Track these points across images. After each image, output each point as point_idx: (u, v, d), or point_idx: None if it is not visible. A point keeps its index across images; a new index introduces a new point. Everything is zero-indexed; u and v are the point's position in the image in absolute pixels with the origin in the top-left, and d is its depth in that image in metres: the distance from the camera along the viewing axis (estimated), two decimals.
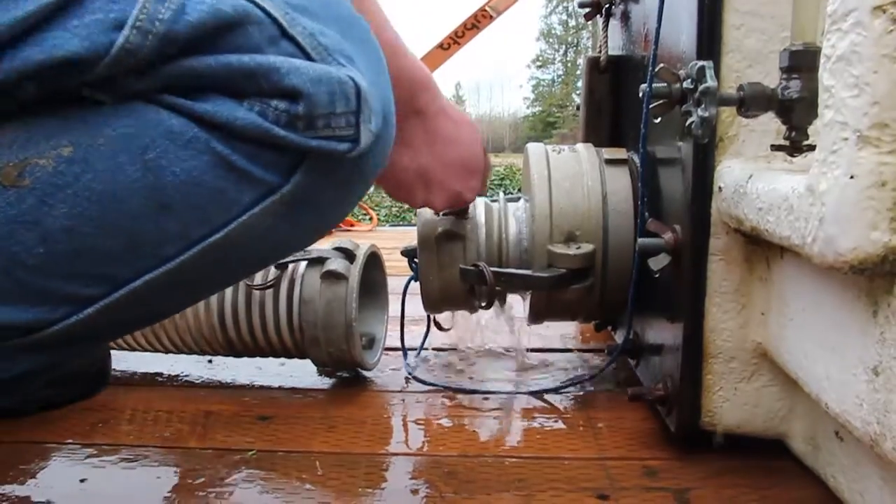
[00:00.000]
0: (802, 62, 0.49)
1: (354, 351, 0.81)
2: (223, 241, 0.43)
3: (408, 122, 0.69)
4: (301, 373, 0.90)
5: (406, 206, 0.98)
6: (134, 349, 0.90)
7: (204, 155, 0.41)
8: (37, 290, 0.41)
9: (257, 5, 0.41)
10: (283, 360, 0.91)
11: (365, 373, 0.89)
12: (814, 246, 0.43)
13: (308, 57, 0.42)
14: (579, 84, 0.96)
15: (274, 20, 0.41)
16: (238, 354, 0.88)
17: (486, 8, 2.32)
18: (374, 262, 0.89)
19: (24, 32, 0.37)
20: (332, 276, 0.80)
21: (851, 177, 0.40)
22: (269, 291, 0.83)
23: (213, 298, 0.83)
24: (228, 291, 0.83)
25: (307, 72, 0.41)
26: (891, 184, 0.39)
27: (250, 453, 0.67)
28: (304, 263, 0.83)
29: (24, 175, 0.39)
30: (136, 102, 0.41)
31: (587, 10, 0.96)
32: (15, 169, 0.39)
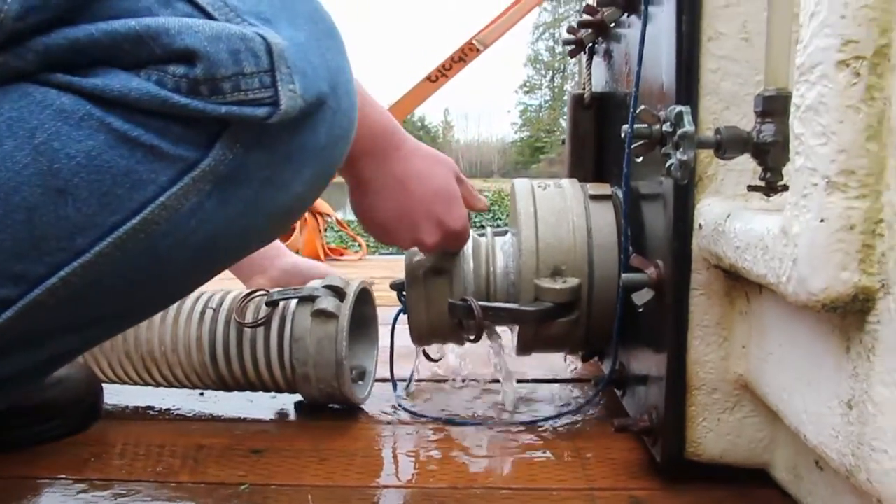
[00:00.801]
0: (775, 107, 0.51)
1: (345, 388, 0.82)
2: (143, 227, 0.40)
3: (381, 168, 0.70)
4: (292, 405, 0.91)
5: None
6: (125, 383, 0.91)
7: (100, 133, 0.38)
8: None
9: None
10: (273, 398, 0.92)
11: (356, 405, 0.89)
12: (788, 285, 0.45)
13: (209, 16, 0.38)
14: (566, 110, 0.98)
15: None
16: (229, 389, 0.89)
17: (474, 41, 2.37)
18: (364, 297, 0.91)
19: None
20: (323, 315, 0.81)
21: (822, 220, 0.41)
22: (261, 329, 0.84)
23: (205, 335, 0.84)
24: (220, 328, 0.84)
25: (202, 30, 0.38)
26: (859, 227, 0.41)
27: (243, 487, 0.68)
28: (294, 302, 0.84)
29: None
30: (19, 84, 0.38)
31: (571, 47, 0.98)
32: None
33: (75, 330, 0.45)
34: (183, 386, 0.89)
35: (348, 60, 0.46)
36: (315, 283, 0.86)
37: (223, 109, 0.38)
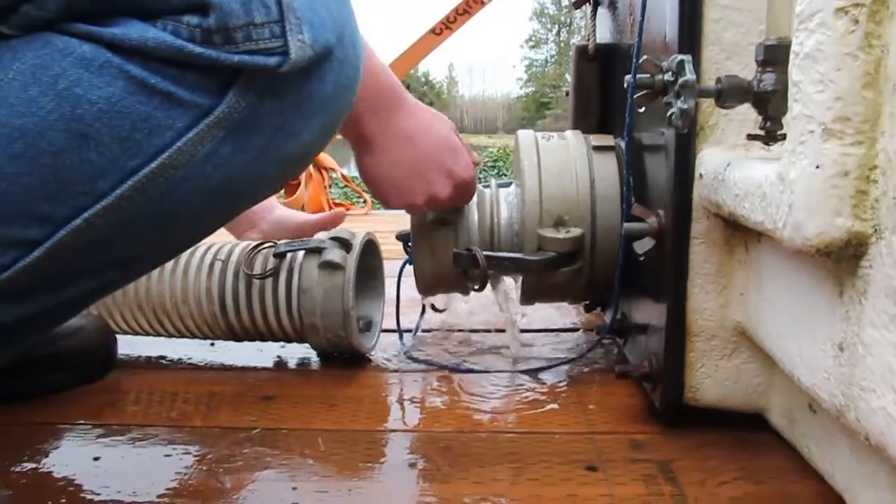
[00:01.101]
0: (776, 56, 0.52)
1: (352, 337, 0.84)
2: (161, 171, 0.42)
3: (386, 125, 0.71)
4: (301, 355, 0.93)
5: None
6: (138, 333, 0.93)
7: (119, 80, 0.40)
8: None
9: None
10: (281, 347, 0.95)
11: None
12: (784, 231, 0.46)
13: None
14: (571, 62, 0.98)
15: None
16: (239, 339, 0.91)
17: None
18: (370, 249, 0.92)
19: None
20: (330, 266, 0.83)
21: (817, 167, 0.42)
22: (269, 280, 0.86)
23: (215, 286, 0.86)
24: (229, 279, 0.86)
25: None
26: (853, 173, 0.42)
27: (255, 431, 0.70)
28: (301, 253, 0.86)
29: None
30: (43, 33, 0.40)
31: None
32: None
33: (96, 272, 0.47)
34: (194, 336, 0.91)
35: (353, 11, 0.47)
36: (322, 236, 0.88)
37: (235, 58, 0.40)
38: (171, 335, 0.92)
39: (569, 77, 1.05)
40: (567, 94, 1.02)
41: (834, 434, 0.56)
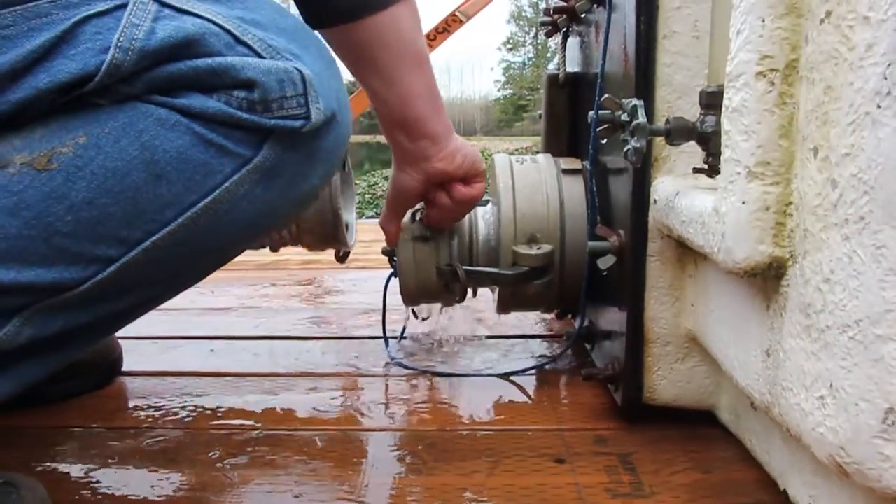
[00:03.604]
0: (716, 102, 0.59)
1: (340, 235, 1.00)
2: (212, 205, 0.54)
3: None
4: (295, 362, 1.00)
5: (379, 195, 1.12)
6: None
7: (186, 135, 0.52)
8: (72, 254, 0.52)
9: (213, 22, 0.52)
10: (277, 353, 1.02)
11: (353, 358, 1.00)
12: (719, 255, 0.54)
13: (260, 56, 0.53)
14: (550, 67, 1.06)
15: (228, 31, 0.52)
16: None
17: (457, 13, 2.44)
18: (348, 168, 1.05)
19: (34, 62, 0.49)
20: None
21: (743, 202, 0.50)
22: None
23: None
24: None
25: (259, 66, 0.52)
26: (773, 208, 0.50)
27: (257, 433, 0.77)
28: None
29: (52, 160, 0.51)
30: (131, 102, 0.52)
31: (548, 28, 1.06)
32: (45, 157, 0.51)
33: (148, 287, 0.59)
34: None
35: (343, 82, 0.60)
36: None
37: (272, 122, 0.53)
38: None
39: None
40: (540, 116, 1.10)
41: (770, 428, 0.64)
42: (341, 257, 1.09)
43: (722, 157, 0.53)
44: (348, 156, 1.04)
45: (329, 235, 0.99)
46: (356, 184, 1.39)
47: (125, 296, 0.57)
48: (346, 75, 0.71)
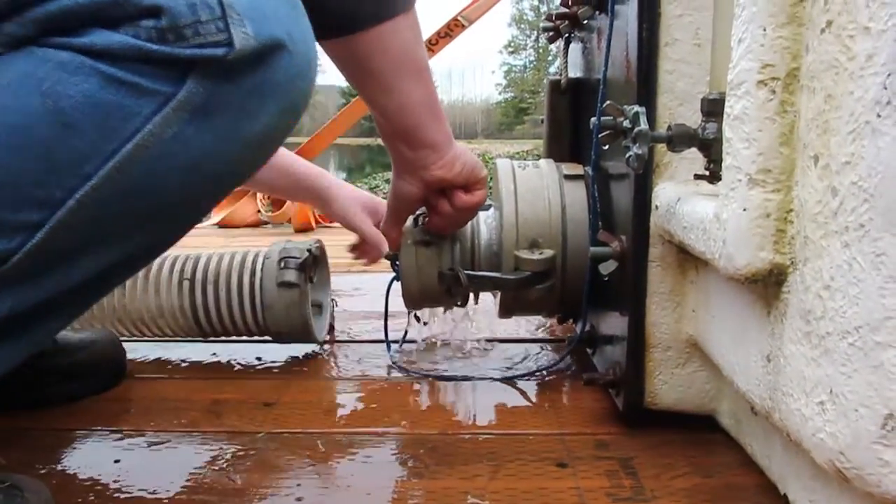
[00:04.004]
0: (717, 109, 0.60)
1: (311, 336, 1.01)
2: (137, 151, 0.49)
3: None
4: (296, 363, 1.01)
5: (380, 197, 1.13)
6: (122, 335, 1.02)
7: (92, 77, 0.47)
8: None
9: None
10: (279, 355, 1.03)
11: (354, 363, 1.01)
12: (720, 261, 0.55)
13: None
14: (551, 70, 1.06)
15: None
16: (217, 337, 1.06)
17: (459, 17, 2.45)
18: (318, 255, 1.06)
19: None
20: (286, 286, 0.98)
21: (744, 209, 0.51)
22: (236, 297, 1.00)
23: (187, 305, 1.00)
24: (199, 297, 1.00)
25: None
26: (773, 215, 0.50)
27: (260, 435, 0.77)
28: (260, 273, 1.00)
29: None
30: (27, 48, 0.47)
31: (550, 33, 1.06)
32: None
33: (100, 249, 0.53)
34: (175, 337, 1.05)
35: (303, 14, 0.55)
36: (275, 251, 1.01)
37: (187, 52, 0.48)
38: (155, 337, 1.05)
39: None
40: (542, 121, 1.10)
41: (770, 433, 0.64)
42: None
43: (723, 164, 0.54)
44: (324, 251, 1.08)
45: (298, 336, 1.02)
46: (358, 185, 1.41)
47: (73, 263, 0.52)
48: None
